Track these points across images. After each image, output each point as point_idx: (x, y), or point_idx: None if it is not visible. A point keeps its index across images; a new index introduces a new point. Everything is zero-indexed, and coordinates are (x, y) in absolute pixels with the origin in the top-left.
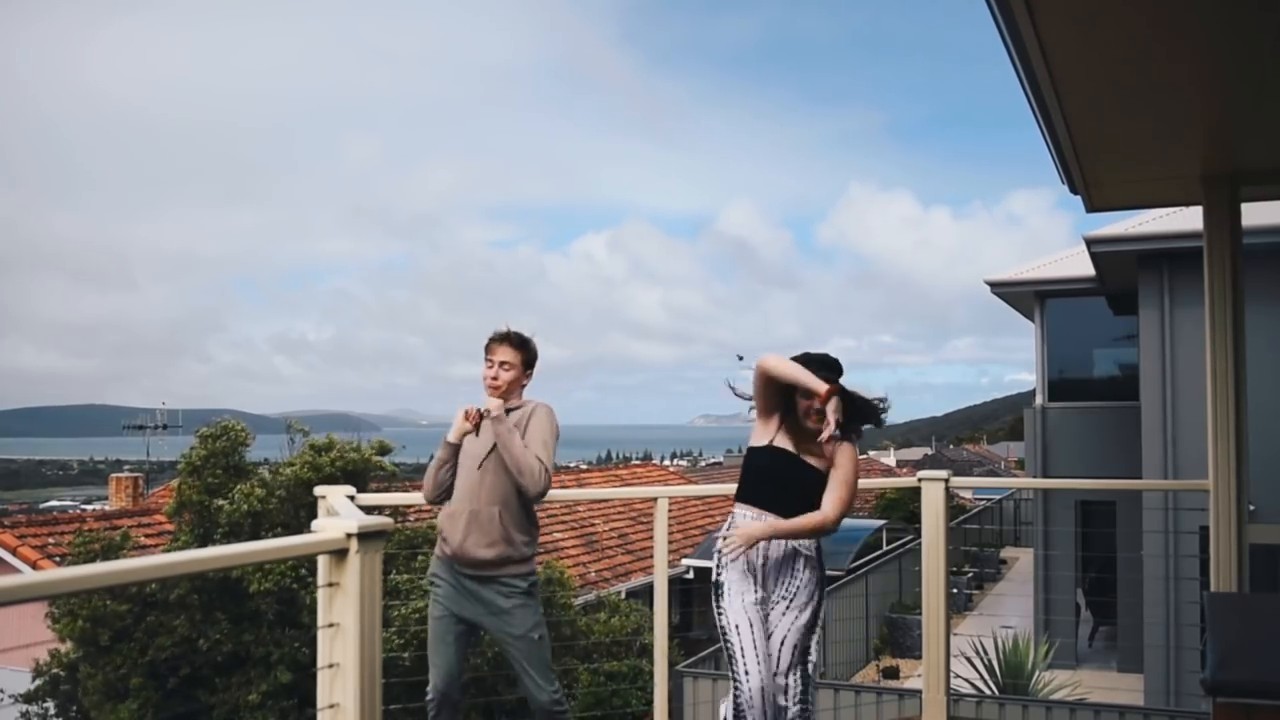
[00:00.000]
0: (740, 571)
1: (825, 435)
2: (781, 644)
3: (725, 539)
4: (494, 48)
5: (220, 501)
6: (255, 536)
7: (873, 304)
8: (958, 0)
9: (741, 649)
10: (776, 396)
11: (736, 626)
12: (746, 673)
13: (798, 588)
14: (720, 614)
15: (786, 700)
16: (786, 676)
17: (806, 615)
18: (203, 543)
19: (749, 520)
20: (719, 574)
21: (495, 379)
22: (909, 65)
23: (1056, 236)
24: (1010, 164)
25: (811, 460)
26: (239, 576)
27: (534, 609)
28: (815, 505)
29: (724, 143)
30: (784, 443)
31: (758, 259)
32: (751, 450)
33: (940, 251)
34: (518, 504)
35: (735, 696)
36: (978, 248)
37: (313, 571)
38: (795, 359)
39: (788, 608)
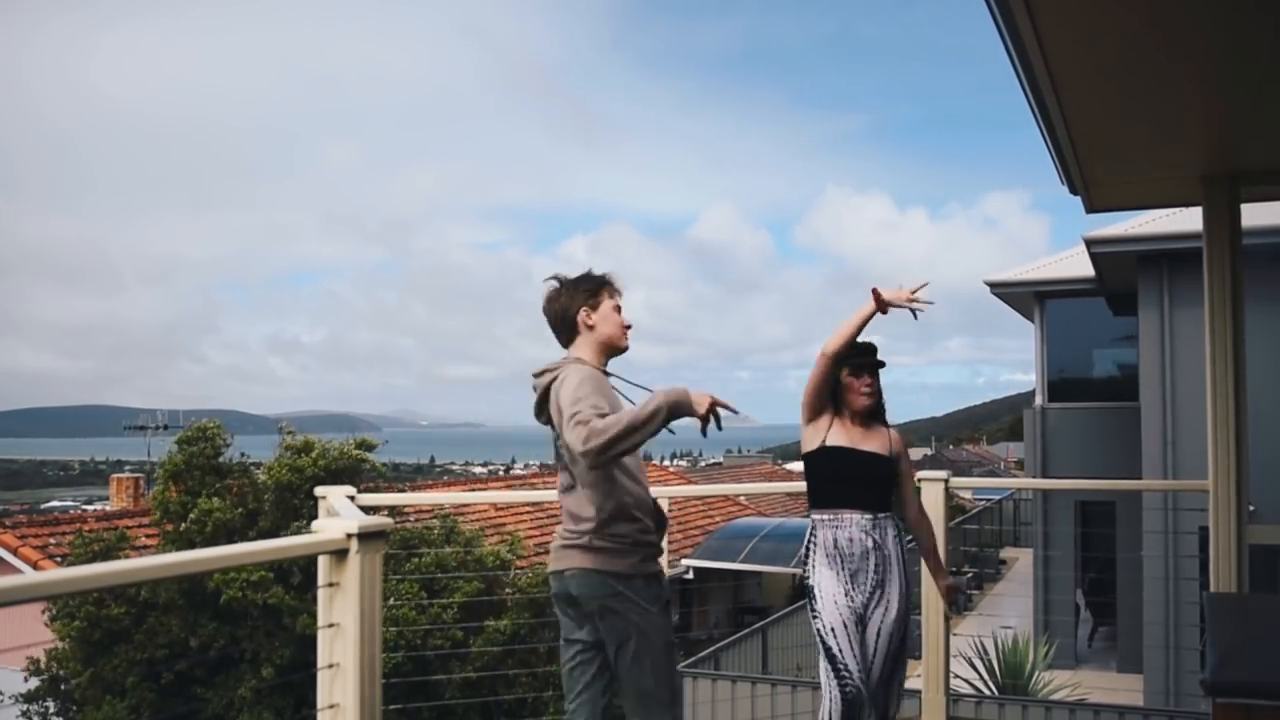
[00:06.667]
0: (830, 570)
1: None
2: (877, 636)
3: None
4: (480, 53)
5: (201, 504)
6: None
7: (855, 304)
8: (935, 5)
9: (839, 650)
10: (822, 395)
11: (833, 629)
12: (847, 669)
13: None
14: (815, 617)
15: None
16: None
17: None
18: (188, 548)
19: (831, 523)
20: (808, 577)
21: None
22: (884, 69)
23: (1033, 237)
24: (986, 166)
25: (870, 448)
26: (215, 589)
27: None
28: (888, 492)
29: (703, 147)
30: (838, 440)
31: (737, 261)
32: (809, 456)
33: (919, 253)
34: None
35: (843, 695)
36: (956, 248)
37: (288, 574)
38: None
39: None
